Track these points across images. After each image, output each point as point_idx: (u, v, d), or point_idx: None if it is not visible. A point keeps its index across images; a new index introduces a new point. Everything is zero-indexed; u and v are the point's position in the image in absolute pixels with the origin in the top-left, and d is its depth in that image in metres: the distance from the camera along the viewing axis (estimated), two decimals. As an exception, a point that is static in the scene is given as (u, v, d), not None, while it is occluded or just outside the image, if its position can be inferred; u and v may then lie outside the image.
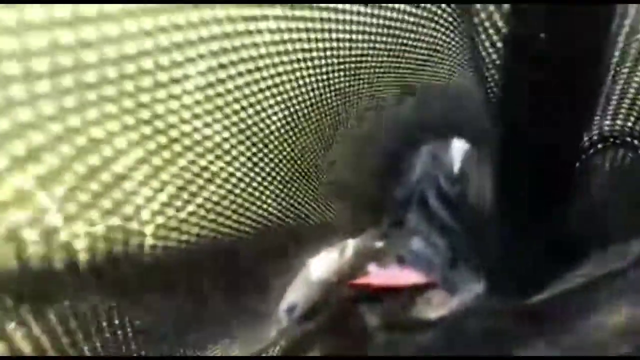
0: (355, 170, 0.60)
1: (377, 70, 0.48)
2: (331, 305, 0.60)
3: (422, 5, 0.41)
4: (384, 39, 0.44)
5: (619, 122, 0.38)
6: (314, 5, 0.39)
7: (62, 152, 0.27)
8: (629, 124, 0.37)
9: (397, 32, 0.44)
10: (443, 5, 0.40)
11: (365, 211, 0.64)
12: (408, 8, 0.41)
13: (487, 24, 0.35)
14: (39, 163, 0.26)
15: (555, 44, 0.32)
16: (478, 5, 0.36)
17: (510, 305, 0.53)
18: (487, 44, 0.36)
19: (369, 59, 0.46)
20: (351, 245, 0.64)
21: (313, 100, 0.44)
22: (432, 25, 0.42)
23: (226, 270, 0.46)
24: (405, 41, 0.46)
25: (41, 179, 0.27)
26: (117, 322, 0.35)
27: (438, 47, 0.45)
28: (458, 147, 0.62)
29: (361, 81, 0.48)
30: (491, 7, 0.34)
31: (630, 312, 0.41)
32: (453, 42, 0.43)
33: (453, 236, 0.62)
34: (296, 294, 0.59)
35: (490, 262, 0.57)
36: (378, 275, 0.63)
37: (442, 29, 0.42)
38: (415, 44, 0.46)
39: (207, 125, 0.37)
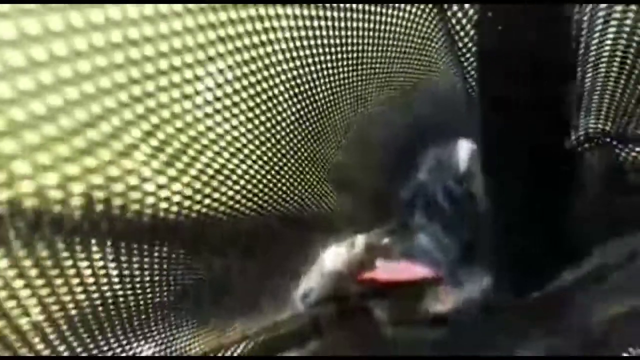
0: (363, 168, 0.61)
1: (385, 68, 0.49)
2: (340, 299, 0.61)
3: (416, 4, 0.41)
4: (392, 36, 0.45)
5: (599, 124, 0.38)
6: (322, 5, 0.40)
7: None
8: (607, 127, 0.37)
9: (407, 30, 0.45)
10: (430, 6, 0.40)
11: (373, 208, 0.65)
12: (409, 7, 0.41)
13: (461, 32, 0.36)
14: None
15: (521, 45, 0.32)
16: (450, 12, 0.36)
17: (514, 300, 0.53)
18: (464, 49, 0.37)
19: (378, 55, 0.47)
20: (360, 240, 0.65)
21: (325, 93, 0.45)
22: (427, 25, 0.43)
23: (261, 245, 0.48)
24: (415, 40, 0.46)
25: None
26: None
27: (438, 47, 0.46)
28: (465, 146, 0.63)
29: (371, 78, 0.49)
30: (461, 15, 0.35)
31: (630, 304, 0.41)
32: (440, 44, 0.44)
33: (458, 233, 0.62)
34: (310, 283, 0.61)
35: (494, 258, 0.58)
36: (385, 271, 0.64)
37: (433, 29, 0.43)
38: (424, 42, 0.47)
39: (222, 121, 0.38)
